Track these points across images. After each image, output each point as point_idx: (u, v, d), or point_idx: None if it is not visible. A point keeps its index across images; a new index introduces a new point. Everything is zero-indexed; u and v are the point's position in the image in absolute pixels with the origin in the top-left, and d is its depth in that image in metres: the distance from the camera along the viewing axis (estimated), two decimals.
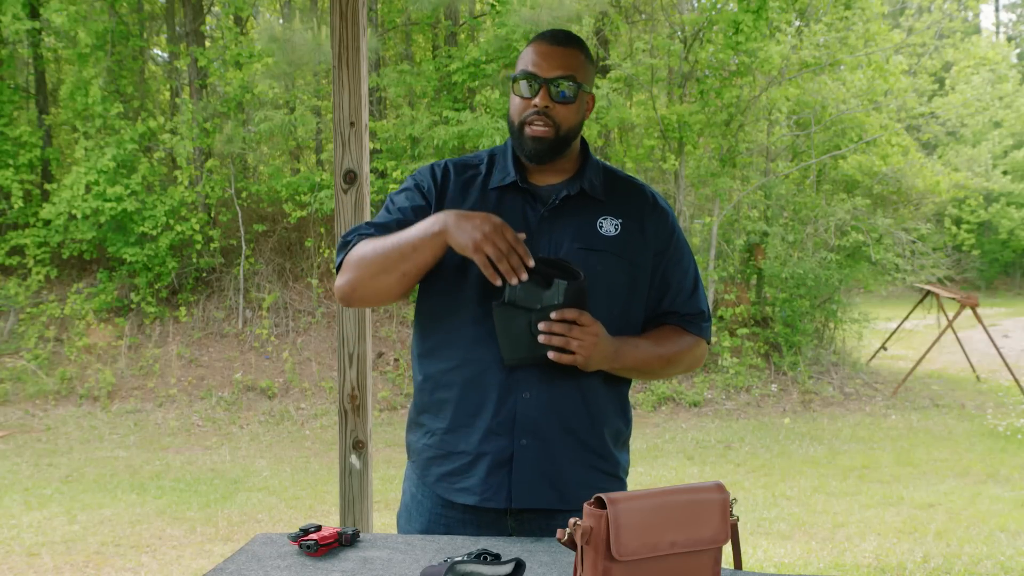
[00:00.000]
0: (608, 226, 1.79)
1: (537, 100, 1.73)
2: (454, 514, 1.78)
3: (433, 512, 1.80)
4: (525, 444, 1.71)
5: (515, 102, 1.78)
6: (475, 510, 1.75)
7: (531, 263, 1.62)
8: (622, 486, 1.86)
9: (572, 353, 1.65)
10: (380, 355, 10.17)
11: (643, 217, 1.83)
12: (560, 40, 1.78)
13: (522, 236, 1.65)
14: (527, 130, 1.75)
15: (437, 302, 1.80)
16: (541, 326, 1.64)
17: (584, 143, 1.88)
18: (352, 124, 2.53)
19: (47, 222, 10.41)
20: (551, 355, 1.64)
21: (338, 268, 1.79)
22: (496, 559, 1.41)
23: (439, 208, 1.79)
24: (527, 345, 1.66)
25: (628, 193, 1.86)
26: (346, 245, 1.79)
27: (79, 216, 10.00)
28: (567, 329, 1.63)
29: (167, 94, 13.58)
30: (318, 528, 1.57)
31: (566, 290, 1.65)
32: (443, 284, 1.79)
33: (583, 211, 1.80)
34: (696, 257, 1.98)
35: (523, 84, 1.75)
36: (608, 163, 1.95)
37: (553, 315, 1.63)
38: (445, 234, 1.64)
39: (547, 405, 1.72)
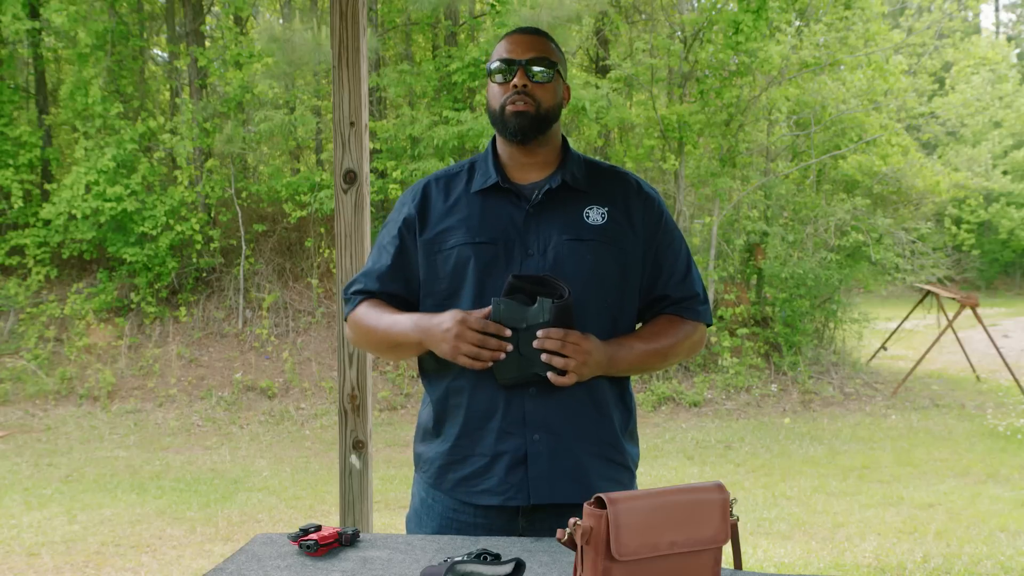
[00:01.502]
0: (595, 215, 1.80)
1: (516, 80, 1.76)
2: (466, 516, 1.78)
3: (444, 516, 1.81)
4: (537, 439, 1.73)
5: (493, 90, 1.81)
6: (488, 510, 1.76)
7: (507, 333, 1.65)
8: (632, 477, 1.88)
9: (565, 373, 1.67)
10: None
11: (629, 203, 1.84)
12: (529, 31, 1.83)
13: (486, 312, 1.67)
14: (508, 108, 1.77)
15: (436, 310, 1.81)
16: (535, 344, 1.65)
17: (564, 139, 1.89)
18: (352, 124, 2.53)
19: (47, 222, 10.41)
20: (551, 377, 1.66)
21: (346, 318, 1.91)
22: (496, 559, 1.41)
23: (424, 226, 1.82)
24: (516, 364, 1.67)
25: (612, 181, 1.87)
26: (348, 301, 1.89)
27: (79, 216, 10.00)
28: (559, 347, 1.65)
29: (167, 94, 13.59)
30: (318, 528, 1.57)
31: (551, 308, 1.65)
32: (440, 291, 1.81)
33: (568, 203, 1.80)
34: (696, 257, 1.97)
35: (499, 73, 1.79)
36: (591, 156, 1.96)
37: (539, 334, 1.64)
38: (424, 343, 1.73)
39: (554, 399, 1.73)
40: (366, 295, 1.87)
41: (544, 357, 1.65)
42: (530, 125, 1.77)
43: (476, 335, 1.64)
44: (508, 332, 1.64)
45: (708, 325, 1.91)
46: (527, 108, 1.76)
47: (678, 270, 1.86)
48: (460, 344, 1.65)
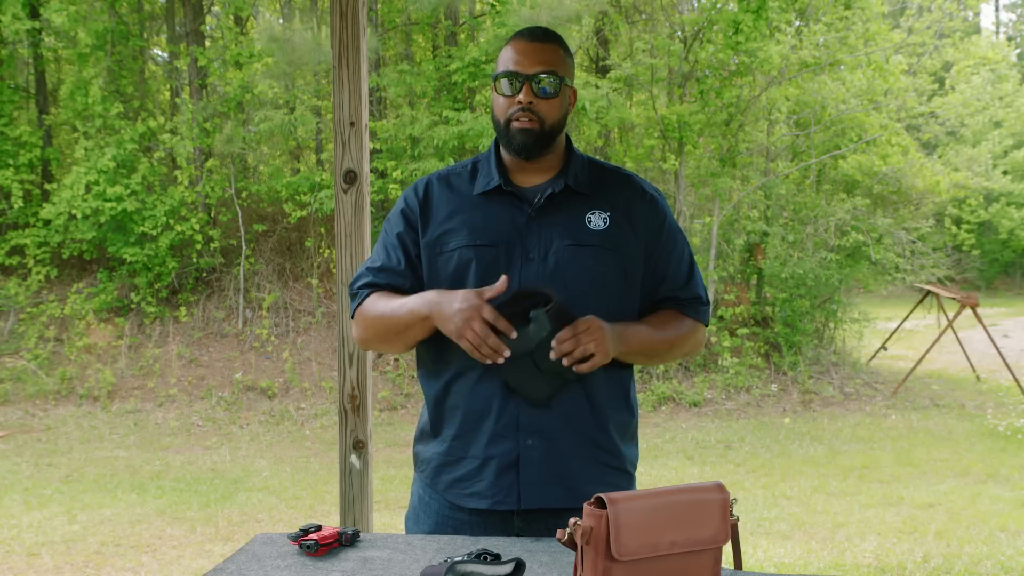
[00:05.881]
0: (596, 220, 1.79)
1: (521, 96, 1.74)
2: (462, 516, 1.78)
3: (441, 514, 1.81)
4: (530, 444, 1.72)
5: (498, 101, 1.79)
6: (483, 512, 1.76)
7: (513, 334, 1.63)
8: (631, 480, 1.87)
9: (592, 356, 1.66)
10: (380, 355, 10.18)
11: (631, 207, 1.83)
12: (538, 36, 1.79)
13: (503, 281, 1.64)
14: (513, 125, 1.76)
15: None
16: (552, 357, 1.65)
17: (568, 139, 1.88)
18: (352, 124, 2.53)
19: (47, 222, 10.41)
20: (579, 368, 1.66)
21: (352, 314, 1.87)
22: (496, 559, 1.41)
23: (425, 227, 1.81)
24: (546, 383, 1.68)
25: (615, 184, 1.86)
26: (354, 297, 1.86)
27: (79, 216, 10.00)
28: (575, 344, 1.64)
29: (167, 94, 13.58)
30: (318, 528, 1.57)
31: (549, 316, 1.64)
32: None
33: (570, 207, 1.79)
34: (696, 257, 1.97)
35: (505, 82, 1.76)
36: (593, 156, 1.95)
37: (553, 346, 1.64)
38: (432, 319, 1.70)
39: (550, 404, 1.73)
40: (374, 288, 1.84)
41: (566, 362, 1.65)
42: (535, 143, 1.76)
43: (485, 327, 1.62)
44: (514, 333, 1.63)
45: (705, 326, 1.92)
46: (532, 126, 1.75)
47: (681, 274, 1.86)
48: (467, 329, 1.63)
